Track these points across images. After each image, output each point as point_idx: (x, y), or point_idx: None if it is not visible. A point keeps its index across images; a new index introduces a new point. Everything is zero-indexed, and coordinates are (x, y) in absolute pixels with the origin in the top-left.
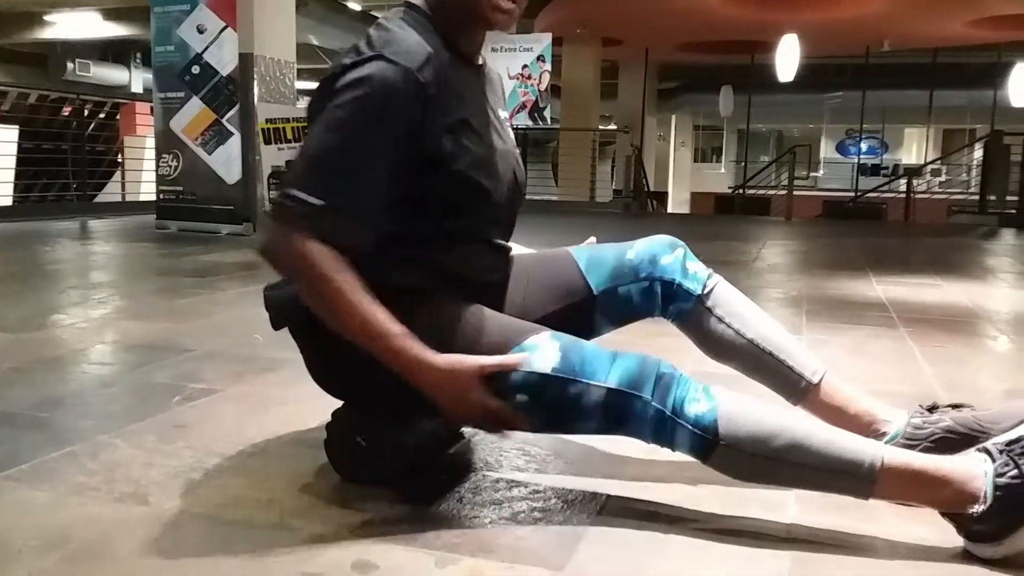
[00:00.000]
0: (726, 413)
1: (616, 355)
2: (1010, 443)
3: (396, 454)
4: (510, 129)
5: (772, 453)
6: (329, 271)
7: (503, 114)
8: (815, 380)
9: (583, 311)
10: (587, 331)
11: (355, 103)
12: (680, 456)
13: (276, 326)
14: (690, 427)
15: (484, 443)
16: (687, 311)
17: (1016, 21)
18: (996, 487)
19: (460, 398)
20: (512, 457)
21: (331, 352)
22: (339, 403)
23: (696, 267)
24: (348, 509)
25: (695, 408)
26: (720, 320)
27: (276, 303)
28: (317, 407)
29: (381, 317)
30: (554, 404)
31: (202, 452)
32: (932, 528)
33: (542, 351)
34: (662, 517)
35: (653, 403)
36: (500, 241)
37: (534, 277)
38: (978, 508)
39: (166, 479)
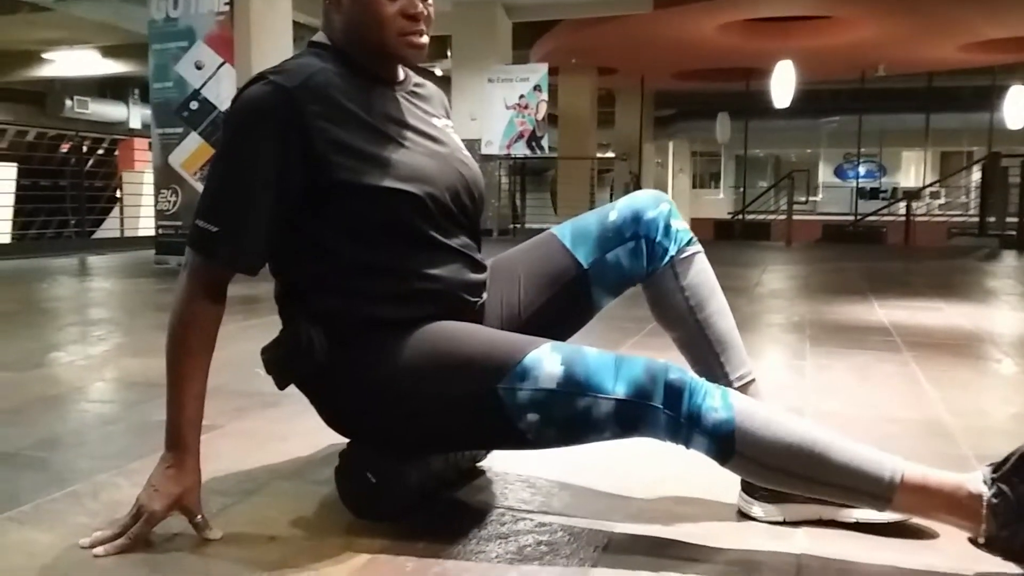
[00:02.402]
0: (744, 423)
1: (620, 361)
2: (997, 469)
3: (406, 490)
4: (455, 135)
5: (789, 467)
6: (194, 326)
7: (442, 122)
8: (735, 385)
9: (579, 288)
10: (587, 307)
11: (234, 129)
12: (686, 488)
13: (281, 386)
14: (707, 435)
15: (489, 477)
16: (658, 271)
17: (1008, 45)
18: (996, 517)
19: (156, 494)
20: (517, 490)
21: (341, 397)
22: (343, 439)
23: (680, 225)
24: (351, 546)
25: (713, 417)
26: (681, 290)
27: (275, 365)
28: (319, 442)
29: (192, 393)
30: (564, 420)
31: (203, 490)
32: (942, 555)
33: (545, 365)
34: (669, 551)
35: (665, 410)
36: (469, 249)
37: (525, 272)
38: (983, 532)
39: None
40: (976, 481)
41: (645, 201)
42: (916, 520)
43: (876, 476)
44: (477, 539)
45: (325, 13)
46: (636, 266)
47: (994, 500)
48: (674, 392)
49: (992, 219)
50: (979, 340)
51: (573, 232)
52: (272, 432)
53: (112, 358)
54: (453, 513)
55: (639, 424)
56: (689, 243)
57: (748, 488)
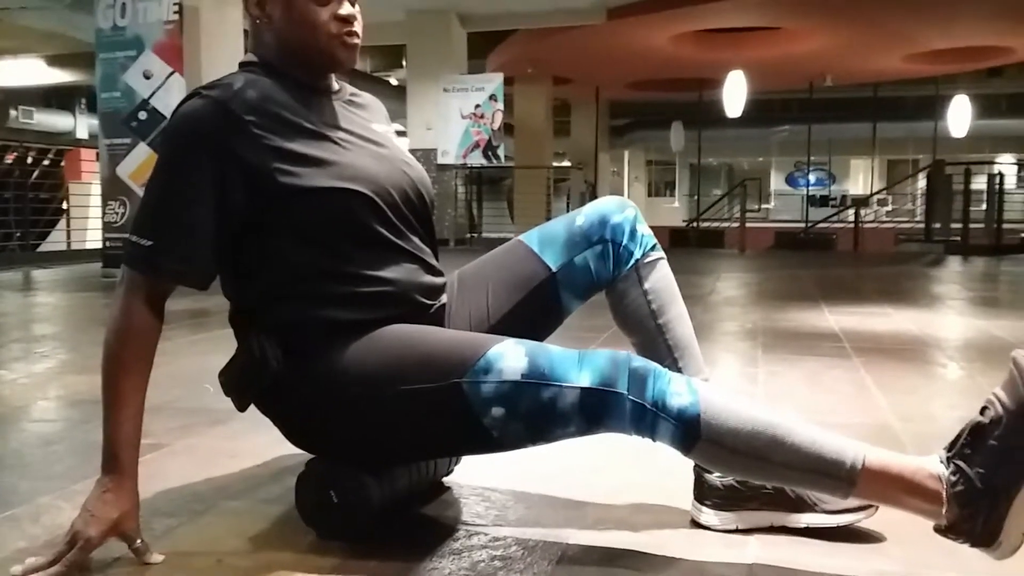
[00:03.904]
0: (709, 408)
1: (583, 354)
2: (950, 448)
3: (368, 509)
4: (396, 140)
5: (753, 451)
6: (131, 344)
7: (382, 128)
8: None
9: (548, 292)
10: (557, 311)
11: (169, 143)
12: (641, 497)
13: (242, 408)
14: (672, 421)
15: (443, 491)
16: (622, 274)
17: (950, 55)
18: (956, 496)
19: (92, 520)
20: (471, 504)
21: (301, 409)
22: (293, 456)
23: (644, 231)
24: (301, 566)
25: (677, 401)
26: (644, 294)
27: (233, 386)
28: (269, 460)
29: (129, 413)
30: (530, 412)
31: (148, 511)
32: (892, 560)
33: (508, 358)
34: (623, 561)
35: (630, 397)
36: (422, 253)
37: (493, 278)
38: (944, 513)
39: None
40: (934, 462)
41: (611, 206)
42: (864, 524)
43: (839, 459)
44: (430, 556)
45: (254, 34)
46: (603, 269)
47: (952, 477)
48: (638, 378)
49: (937, 225)
50: (926, 345)
51: (540, 237)
52: (220, 449)
53: (56, 375)
54: (405, 529)
55: (605, 414)
56: (653, 248)
57: (700, 496)
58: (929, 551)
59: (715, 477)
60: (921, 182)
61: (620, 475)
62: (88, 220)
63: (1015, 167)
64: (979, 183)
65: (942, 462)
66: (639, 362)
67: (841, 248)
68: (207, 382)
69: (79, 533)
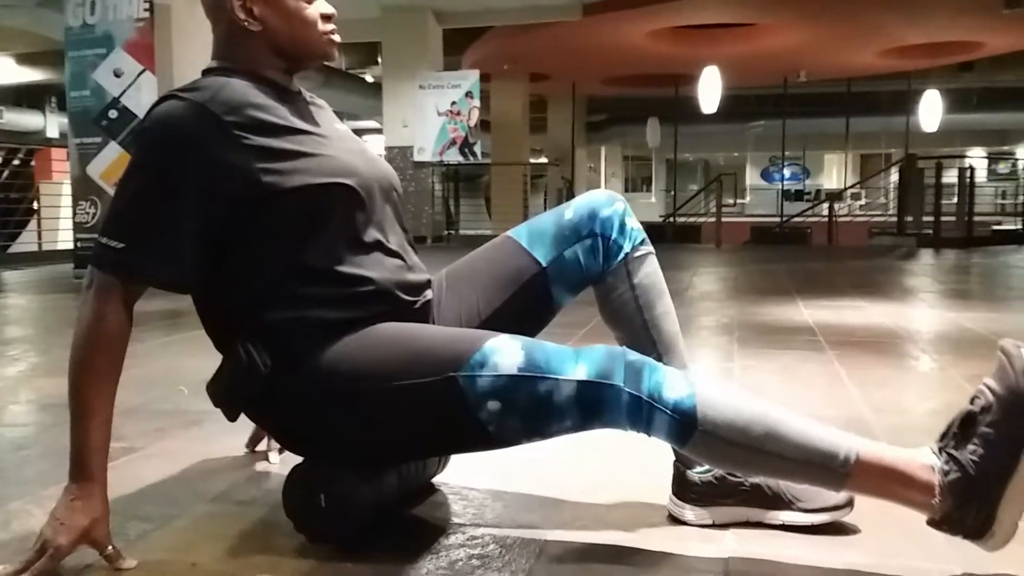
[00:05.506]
0: (705, 399)
1: (578, 350)
2: (943, 438)
3: (358, 513)
4: (357, 137)
5: (749, 441)
6: (101, 349)
7: (342, 126)
8: None
9: (539, 287)
10: (548, 306)
11: (145, 146)
12: (618, 494)
13: (232, 417)
14: (668, 412)
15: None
16: (611, 268)
17: (922, 51)
18: (950, 485)
19: (61, 528)
20: (449, 502)
21: (294, 413)
22: (272, 460)
23: (633, 224)
24: (276, 569)
25: (674, 393)
26: (632, 289)
27: (222, 398)
28: (243, 462)
29: (99, 421)
30: (526, 406)
31: (121, 516)
32: (864, 552)
33: (504, 352)
34: (601, 557)
35: (626, 389)
36: (403, 250)
37: (483, 275)
38: (937, 504)
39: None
40: (926, 453)
41: (601, 200)
42: (845, 520)
43: (833, 452)
44: (406, 556)
45: (227, 38)
46: (593, 263)
47: (945, 467)
48: (634, 371)
49: (910, 219)
50: (898, 338)
51: (529, 232)
52: (194, 452)
53: (27, 379)
54: (381, 530)
55: (601, 407)
56: (642, 243)
57: (679, 492)
58: (900, 542)
59: (694, 473)
60: (893, 176)
61: (596, 472)
62: (59, 220)
63: (985, 161)
64: (950, 177)
65: (934, 453)
66: (634, 356)
67: (815, 242)
68: (181, 384)
69: (48, 541)
